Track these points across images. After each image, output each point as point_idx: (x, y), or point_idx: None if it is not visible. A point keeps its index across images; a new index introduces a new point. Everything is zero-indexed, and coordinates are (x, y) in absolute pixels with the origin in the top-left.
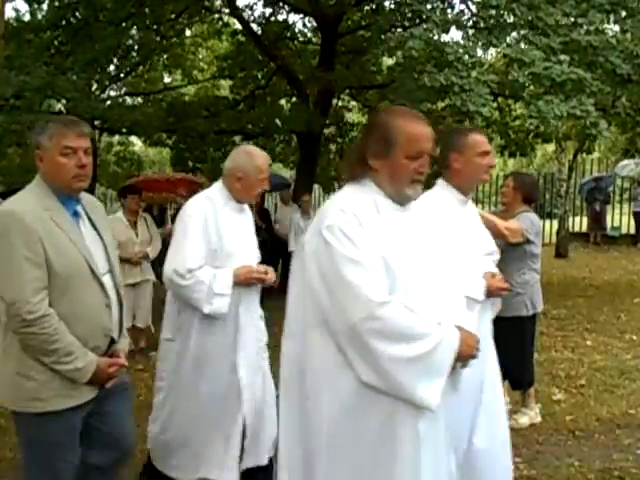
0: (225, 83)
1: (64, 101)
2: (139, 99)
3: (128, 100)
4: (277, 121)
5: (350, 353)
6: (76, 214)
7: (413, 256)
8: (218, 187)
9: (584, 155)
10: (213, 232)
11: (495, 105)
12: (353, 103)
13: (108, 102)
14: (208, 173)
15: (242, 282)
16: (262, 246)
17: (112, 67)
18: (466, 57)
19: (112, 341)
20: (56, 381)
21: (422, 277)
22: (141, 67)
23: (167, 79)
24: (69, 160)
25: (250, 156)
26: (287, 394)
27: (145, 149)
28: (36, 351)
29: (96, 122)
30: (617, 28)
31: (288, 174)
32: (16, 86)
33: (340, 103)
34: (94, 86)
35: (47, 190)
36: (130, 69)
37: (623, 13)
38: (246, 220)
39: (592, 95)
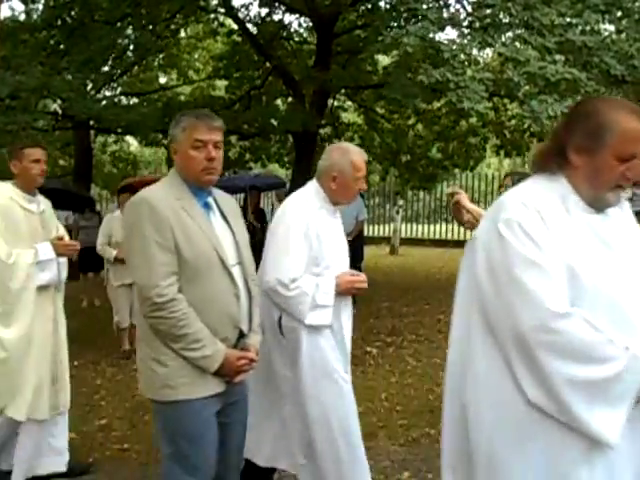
0: (221, 83)
1: (60, 101)
2: (135, 99)
3: (124, 100)
4: (273, 121)
5: (516, 365)
6: (207, 205)
7: (607, 268)
8: (314, 188)
9: None
10: (314, 237)
11: (490, 105)
12: (349, 103)
13: (104, 102)
14: None
15: (343, 292)
16: (259, 248)
17: (107, 67)
18: (462, 55)
19: (241, 335)
20: (187, 369)
21: (616, 293)
22: (136, 67)
23: (163, 79)
24: (199, 153)
25: (345, 152)
26: (449, 398)
27: (141, 149)
28: (165, 336)
29: (91, 122)
30: (612, 28)
31: (284, 174)
32: (12, 86)
33: (336, 103)
34: (89, 86)
35: (180, 182)
36: (125, 69)
37: (618, 13)
38: (338, 224)
39: (587, 95)
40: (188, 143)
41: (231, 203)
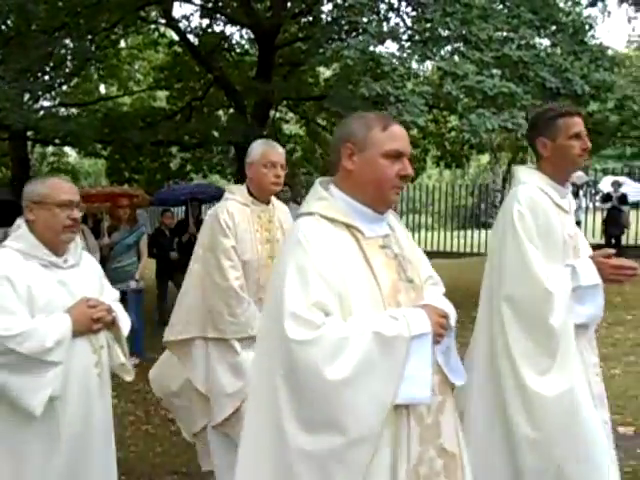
0: (162, 94)
1: None
2: (74, 110)
3: (62, 110)
4: (214, 132)
5: None
6: None
7: None
8: None
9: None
10: None
11: (431, 117)
12: (290, 115)
13: (41, 112)
14: (144, 184)
15: None
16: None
17: (46, 77)
18: (401, 68)
19: None
20: None
21: None
22: (76, 77)
23: (103, 90)
24: None
25: None
26: None
27: (80, 160)
28: None
29: (29, 133)
30: (547, 42)
31: (226, 185)
32: None
33: (278, 115)
34: (27, 96)
35: None
36: (64, 79)
37: (553, 27)
38: None
39: (523, 108)
40: None
41: None
